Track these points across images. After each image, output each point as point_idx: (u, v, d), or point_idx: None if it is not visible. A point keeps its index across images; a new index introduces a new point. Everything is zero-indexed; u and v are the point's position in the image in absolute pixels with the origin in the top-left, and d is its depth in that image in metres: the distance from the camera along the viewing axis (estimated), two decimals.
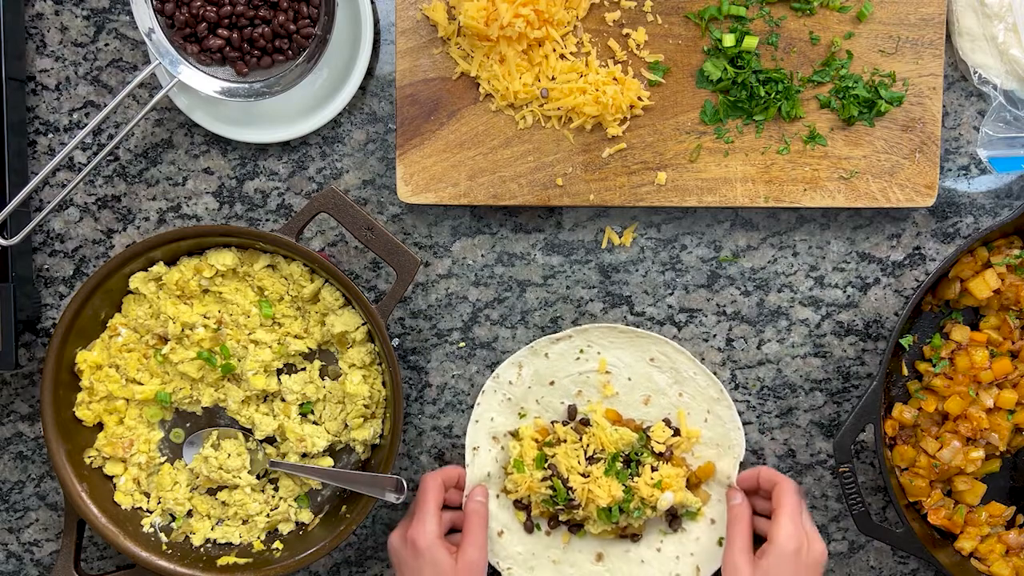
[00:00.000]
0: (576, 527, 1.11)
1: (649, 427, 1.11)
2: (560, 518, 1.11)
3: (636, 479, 1.08)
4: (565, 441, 1.10)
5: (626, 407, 1.12)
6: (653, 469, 1.08)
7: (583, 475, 1.08)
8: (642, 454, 1.09)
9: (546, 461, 1.09)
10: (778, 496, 1.03)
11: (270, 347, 1.09)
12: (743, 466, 1.11)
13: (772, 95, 1.08)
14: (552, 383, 1.12)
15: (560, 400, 1.12)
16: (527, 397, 1.12)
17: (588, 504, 1.08)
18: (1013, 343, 1.08)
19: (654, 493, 1.07)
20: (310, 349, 1.11)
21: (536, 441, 1.11)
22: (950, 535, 1.11)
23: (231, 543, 1.12)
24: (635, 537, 1.11)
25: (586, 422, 1.11)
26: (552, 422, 1.12)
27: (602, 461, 1.09)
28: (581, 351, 1.11)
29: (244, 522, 1.12)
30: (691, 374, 1.10)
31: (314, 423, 1.11)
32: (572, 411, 1.12)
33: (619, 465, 1.08)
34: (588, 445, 1.09)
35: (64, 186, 1.15)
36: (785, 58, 1.08)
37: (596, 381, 1.12)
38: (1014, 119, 1.10)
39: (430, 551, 1.02)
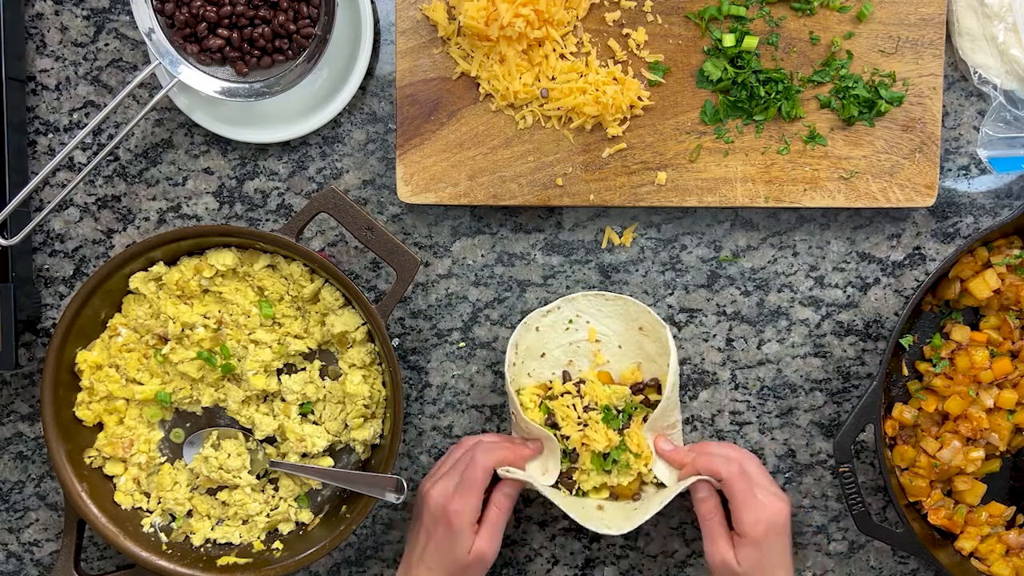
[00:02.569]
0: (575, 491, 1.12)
1: (640, 384, 1.12)
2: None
3: (628, 430, 1.08)
4: (562, 395, 1.10)
5: (617, 375, 1.12)
6: (645, 419, 1.09)
7: (580, 424, 1.08)
8: (636, 408, 1.10)
9: (548, 415, 1.10)
10: (726, 488, 1.03)
11: (270, 347, 1.09)
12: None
13: (772, 95, 1.08)
14: (543, 355, 1.12)
15: (552, 371, 1.12)
16: (521, 372, 1.12)
17: (583, 453, 1.08)
18: (1013, 343, 1.08)
19: (643, 443, 1.07)
20: (310, 349, 1.11)
21: (538, 396, 1.11)
22: (950, 535, 1.11)
23: (231, 543, 1.12)
24: (635, 496, 1.12)
25: (579, 384, 1.12)
26: (550, 380, 1.12)
27: (597, 410, 1.09)
28: (570, 321, 1.12)
29: (244, 522, 1.12)
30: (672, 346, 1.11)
31: (314, 423, 1.11)
32: (565, 376, 1.12)
33: (614, 412, 1.09)
34: (584, 396, 1.10)
35: (64, 186, 1.15)
36: (785, 58, 1.08)
37: (587, 350, 1.12)
38: (1014, 119, 1.10)
39: (459, 535, 1.01)
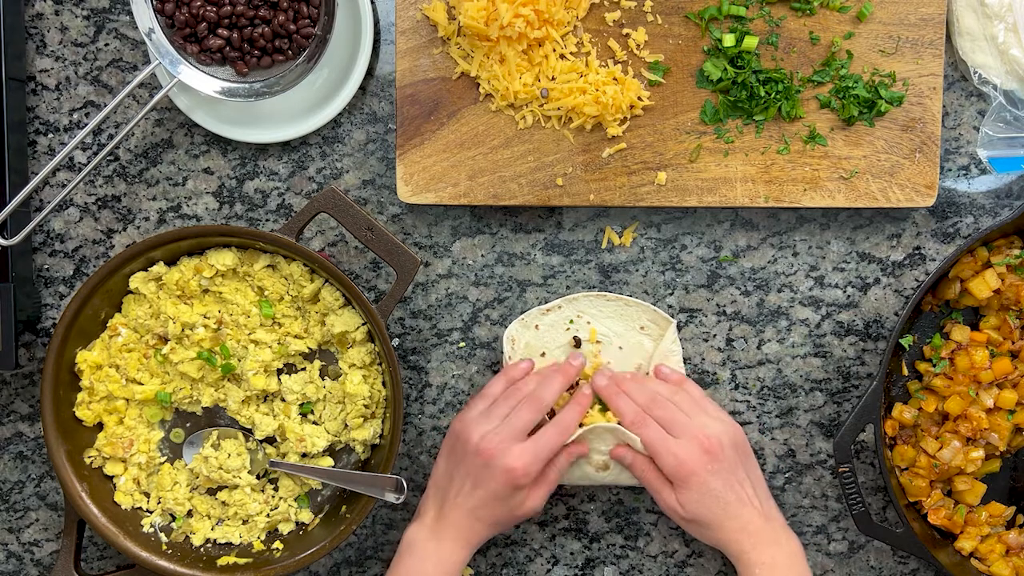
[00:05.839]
0: None
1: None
2: None
3: None
4: None
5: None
6: None
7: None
8: None
9: None
10: (640, 439, 1.03)
11: (270, 347, 1.09)
12: None
13: (772, 95, 1.08)
14: (543, 354, 1.12)
15: None
16: None
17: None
18: (1013, 343, 1.08)
19: None
20: (310, 349, 1.11)
21: None
22: (950, 535, 1.11)
23: (231, 543, 1.12)
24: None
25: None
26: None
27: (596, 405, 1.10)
28: (571, 321, 1.12)
29: (244, 522, 1.12)
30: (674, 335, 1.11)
31: (314, 423, 1.11)
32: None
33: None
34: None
35: (64, 186, 1.15)
36: (785, 58, 1.08)
37: (587, 351, 1.12)
38: (1014, 119, 1.10)
39: (520, 492, 1.01)
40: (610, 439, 1.07)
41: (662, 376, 1.09)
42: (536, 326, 1.11)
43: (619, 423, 1.06)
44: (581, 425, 1.06)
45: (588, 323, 1.12)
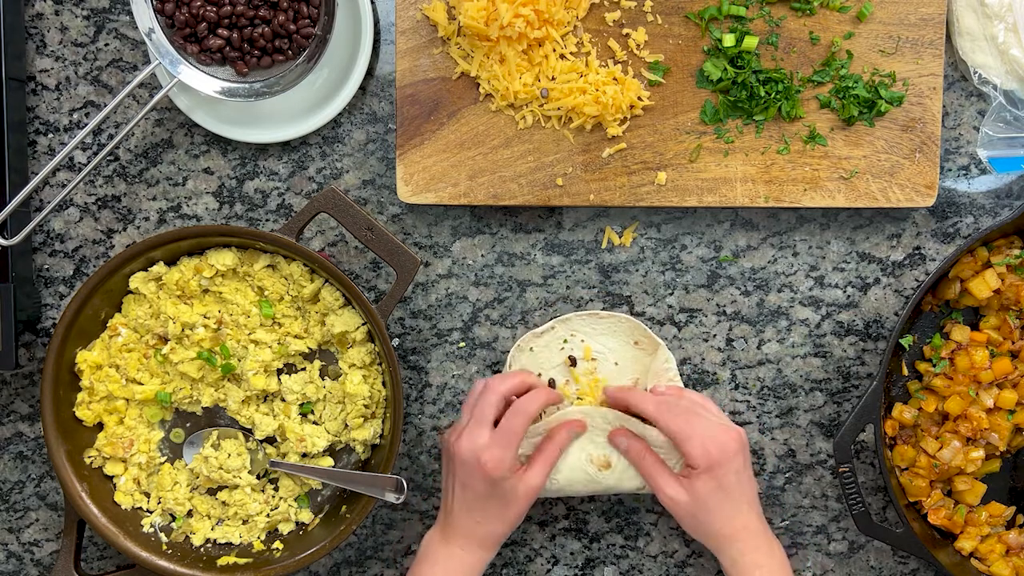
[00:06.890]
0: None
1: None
2: None
3: None
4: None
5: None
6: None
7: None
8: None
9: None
10: (660, 427, 1.03)
11: (270, 347, 1.09)
12: None
13: (772, 95, 1.08)
14: (539, 375, 1.12)
15: None
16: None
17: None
18: (1013, 343, 1.08)
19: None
20: (310, 349, 1.11)
21: None
22: (950, 535, 1.11)
23: (231, 543, 1.12)
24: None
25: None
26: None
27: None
28: (565, 341, 1.11)
29: (244, 522, 1.12)
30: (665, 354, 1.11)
31: (314, 423, 1.11)
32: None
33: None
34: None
35: (64, 186, 1.15)
36: (785, 58, 1.08)
37: (583, 368, 1.12)
38: (1014, 119, 1.10)
39: (502, 481, 1.01)
40: (606, 431, 1.07)
41: (659, 393, 1.09)
42: (531, 348, 1.11)
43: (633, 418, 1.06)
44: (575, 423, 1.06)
45: (582, 341, 1.11)
